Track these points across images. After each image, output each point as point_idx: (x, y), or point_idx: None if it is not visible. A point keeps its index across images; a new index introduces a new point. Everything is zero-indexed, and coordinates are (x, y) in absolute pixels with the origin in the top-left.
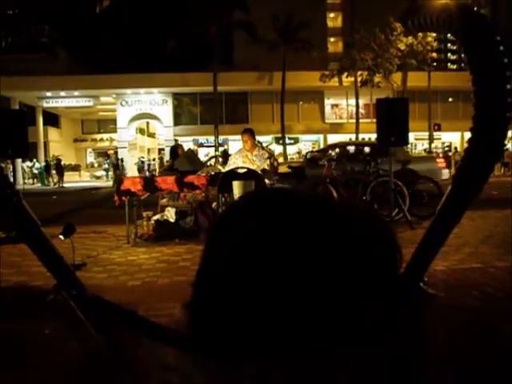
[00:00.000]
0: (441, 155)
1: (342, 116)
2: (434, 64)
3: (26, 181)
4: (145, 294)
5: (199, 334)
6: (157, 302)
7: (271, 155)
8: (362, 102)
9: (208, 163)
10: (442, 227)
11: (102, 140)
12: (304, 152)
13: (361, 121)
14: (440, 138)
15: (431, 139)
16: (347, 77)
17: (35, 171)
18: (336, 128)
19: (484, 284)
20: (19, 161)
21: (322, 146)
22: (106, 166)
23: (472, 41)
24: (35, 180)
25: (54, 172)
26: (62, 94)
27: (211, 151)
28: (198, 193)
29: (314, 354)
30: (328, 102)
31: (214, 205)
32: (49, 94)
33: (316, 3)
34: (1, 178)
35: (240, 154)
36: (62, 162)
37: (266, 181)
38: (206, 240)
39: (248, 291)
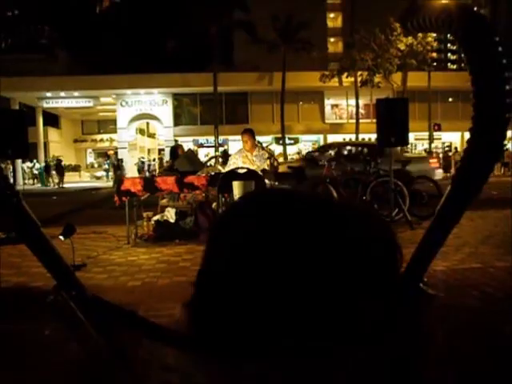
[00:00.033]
0: (434, 155)
1: (342, 116)
2: (434, 64)
3: (26, 181)
4: (145, 294)
5: (199, 333)
6: (157, 302)
7: (271, 155)
8: (361, 102)
9: (208, 163)
10: (441, 227)
11: (102, 140)
12: (304, 152)
13: (361, 121)
14: (440, 138)
15: (431, 139)
16: (347, 77)
17: (35, 172)
18: (336, 128)
19: (484, 284)
20: (19, 161)
21: None
22: (106, 166)
23: (471, 41)
24: (35, 180)
25: (54, 172)
26: (62, 94)
27: (211, 151)
28: (198, 193)
29: (314, 354)
30: (328, 102)
31: (214, 205)
32: (49, 94)
33: (316, 3)
34: (1, 178)
35: (240, 154)
36: (63, 163)
37: (266, 181)
38: (206, 240)
39: (248, 291)
